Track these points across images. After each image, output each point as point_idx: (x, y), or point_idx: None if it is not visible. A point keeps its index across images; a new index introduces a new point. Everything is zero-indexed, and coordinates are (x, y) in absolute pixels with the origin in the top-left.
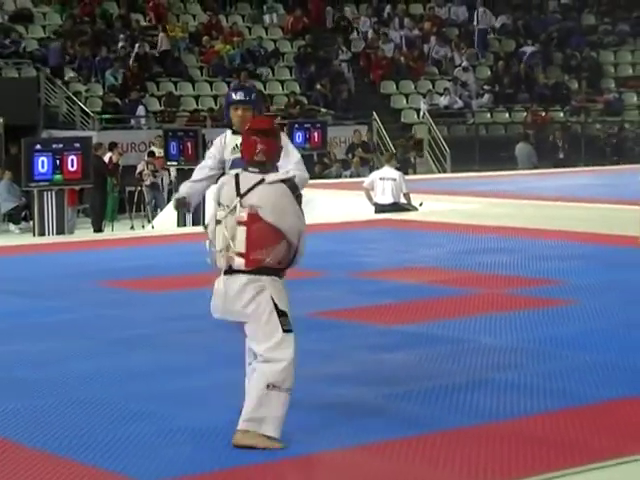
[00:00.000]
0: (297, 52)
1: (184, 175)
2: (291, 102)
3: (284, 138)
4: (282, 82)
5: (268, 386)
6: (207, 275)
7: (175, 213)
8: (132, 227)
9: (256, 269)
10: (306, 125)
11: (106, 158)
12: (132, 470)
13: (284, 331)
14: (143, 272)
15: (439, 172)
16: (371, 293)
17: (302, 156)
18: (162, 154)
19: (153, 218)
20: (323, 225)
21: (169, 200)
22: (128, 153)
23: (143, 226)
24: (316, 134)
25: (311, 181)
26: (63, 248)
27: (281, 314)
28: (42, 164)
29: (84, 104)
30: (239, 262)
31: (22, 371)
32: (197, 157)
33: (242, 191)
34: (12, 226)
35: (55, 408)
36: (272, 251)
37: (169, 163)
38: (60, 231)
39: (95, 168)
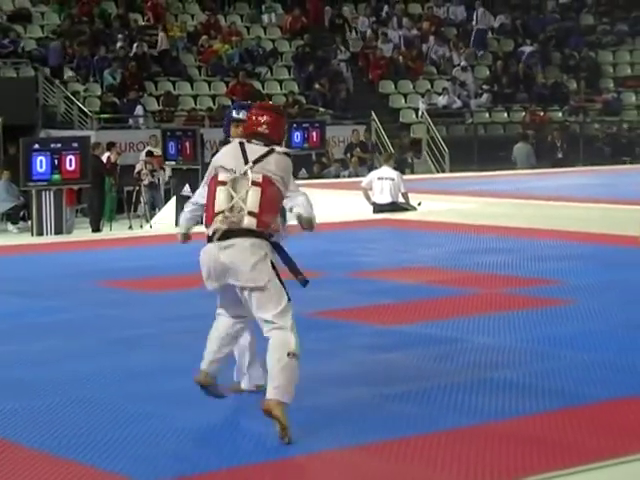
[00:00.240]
0: (295, 52)
1: (181, 175)
2: (289, 102)
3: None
4: (280, 82)
5: (289, 354)
6: None
7: (174, 213)
8: (130, 227)
9: (262, 232)
10: (304, 125)
11: (104, 158)
12: (131, 470)
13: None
14: (142, 272)
15: (438, 172)
16: (369, 293)
17: (300, 155)
18: (160, 153)
19: (151, 218)
20: (321, 225)
21: (167, 199)
22: (126, 153)
23: (141, 226)
24: (314, 134)
25: (309, 181)
26: (61, 248)
27: (282, 282)
28: (40, 164)
29: (82, 104)
30: (250, 221)
31: (21, 371)
32: (195, 157)
33: (251, 159)
34: (10, 226)
35: (54, 408)
36: (274, 219)
37: (167, 163)
38: (58, 231)
39: (93, 168)
